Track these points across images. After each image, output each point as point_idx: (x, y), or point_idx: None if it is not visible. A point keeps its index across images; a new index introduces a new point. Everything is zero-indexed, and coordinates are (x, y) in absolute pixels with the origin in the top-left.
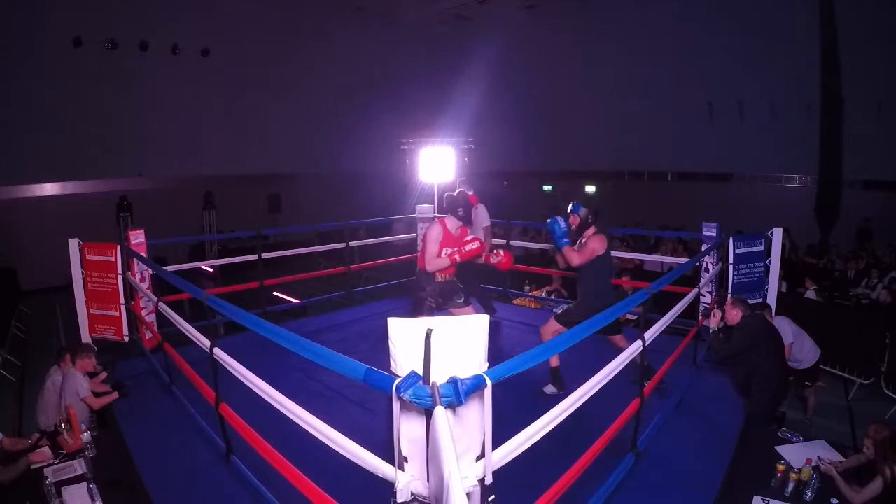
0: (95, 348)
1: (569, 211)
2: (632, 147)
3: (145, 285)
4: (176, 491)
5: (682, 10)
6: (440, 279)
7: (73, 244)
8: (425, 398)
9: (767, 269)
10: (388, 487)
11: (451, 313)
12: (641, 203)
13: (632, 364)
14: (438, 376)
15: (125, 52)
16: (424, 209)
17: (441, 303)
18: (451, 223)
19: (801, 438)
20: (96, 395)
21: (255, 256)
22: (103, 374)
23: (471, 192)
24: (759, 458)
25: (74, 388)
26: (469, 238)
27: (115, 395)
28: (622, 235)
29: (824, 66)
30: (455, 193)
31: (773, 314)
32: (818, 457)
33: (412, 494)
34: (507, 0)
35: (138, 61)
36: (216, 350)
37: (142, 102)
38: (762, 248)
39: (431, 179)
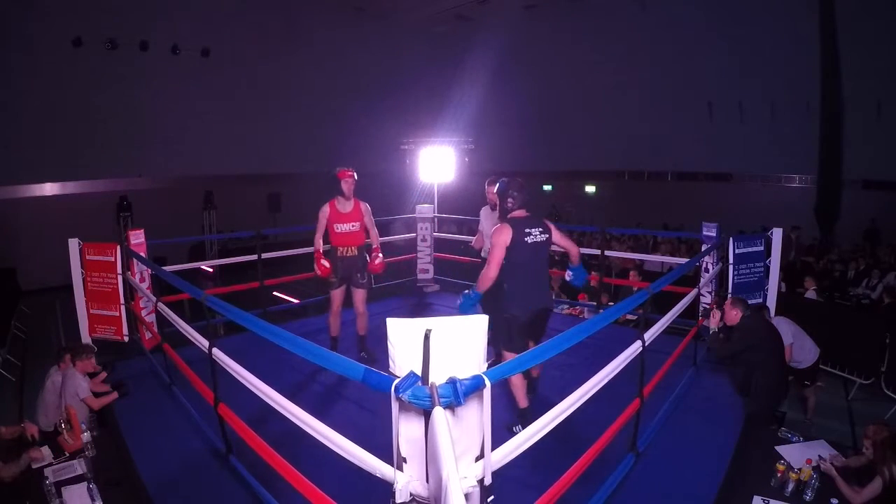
0: (96, 349)
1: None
2: (632, 147)
3: (145, 285)
4: (175, 491)
5: (682, 11)
6: (341, 254)
7: (73, 244)
8: (424, 399)
9: (767, 269)
10: (386, 488)
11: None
12: (641, 203)
13: (631, 364)
14: (437, 377)
15: (125, 52)
16: (424, 209)
17: (342, 277)
18: (340, 203)
19: (801, 438)
20: (96, 395)
21: (254, 256)
22: (103, 374)
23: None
24: (759, 458)
25: (74, 388)
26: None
27: (115, 395)
28: (622, 235)
29: (824, 66)
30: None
31: (773, 315)
32: (819, 455)
33: (411, 495)
34: (507, 0)
35: (138, 61)
36: (215, 350)
37: (142, 102)
38: (762, 248)
39: (431, 179)
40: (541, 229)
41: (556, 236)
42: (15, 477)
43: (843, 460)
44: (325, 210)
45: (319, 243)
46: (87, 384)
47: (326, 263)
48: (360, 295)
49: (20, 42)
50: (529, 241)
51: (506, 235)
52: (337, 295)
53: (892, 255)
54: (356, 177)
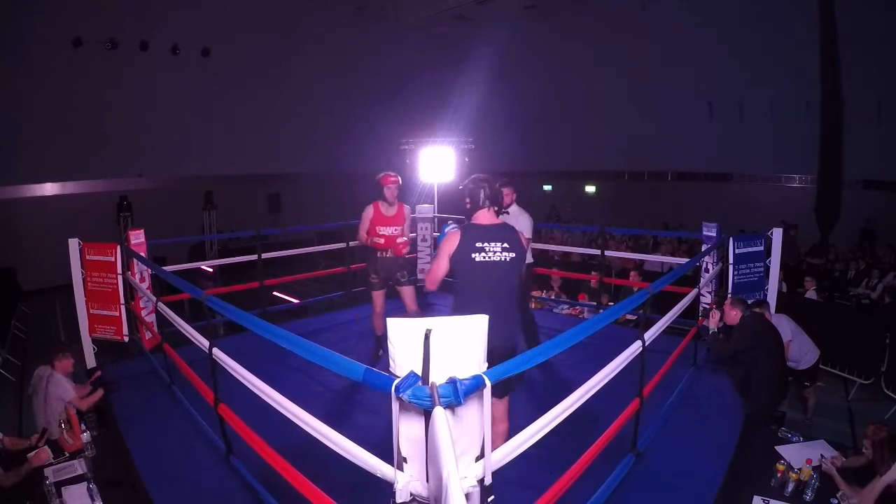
0: (67, 347)
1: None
2: (632, 147)
3: (145, 285)
4: (176, 491)
5: (683, 11)
6: (381, 255)
7: (73, 244)
8: (424, 398)
9: (767, 269)
10: (387, 488)
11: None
12: (641, 203)
13: (631, 364)
14: (437, 376)
15: (125, 52)
16: (424, 209)
17: (384, 278)
18: (383, 206)
19: (801, 438)
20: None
21: (255, 256)
22: (97, 374)
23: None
24: (759, 458)
25: (58, 392)
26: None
27: (101, 392)
28: (622, 235)
29: (824, 66)
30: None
31: (773, 311)
32: (821, 455)
33: (411, 495)
34: (506, 0)
35: (138, 61)
36: (215, 350)
37: (142, 102)
38: (762, 248)
39: (431, 179)
40: (504, 245)
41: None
42: (15, 483)
43: (843, 460)
44: (369, 211)
45: (365, 237)
46: (71, 386)
47: (403, 240)
48: (407, 292)
49: (20, 42)
50: (478, 259)
51: (451, 243)
52: (379, 296)
53: (892, 255)
54: (400, 181)
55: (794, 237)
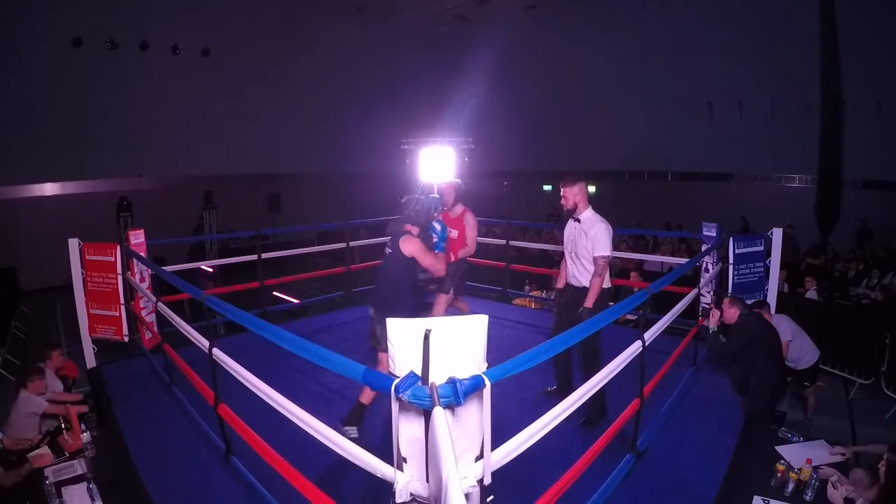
0: (43, 369)
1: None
2: (632, 147)
3: (145, 285)
4: (176, 491)
5: (683, 10)
6: None
7: (73, 244)
8: (424, 399)
9: (767, 269)
10: (387, 488)
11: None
12: (641, 203)
13: (631, 364)
14: (437, 377)
15: (125, 52)
16: None
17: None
18: (448, 209)
19: (801, 438)
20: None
21: (255, 256)
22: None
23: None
24: (759, 458)
25: (31, 409)
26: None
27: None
28: (622, 236)
29: (824, 66)
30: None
31: (773, 312)
32: (818, 460)
33: (411, 495)
34: (507, 0)
35: (138, 61)
36: (215, 350)
37: (142, 102)
38: (762, 248)
39: (431, 179)
40: (390, 243)
41: (412, 253)
42: (13, 484)
43: (845, 480)
44: None
45: None
46: (40, 400)
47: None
48: (437, 301)
49: (20, 42)
50: (385, 251)
51: None
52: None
53: (887, 255)
54: (458, 186)
55: (792, 235)
